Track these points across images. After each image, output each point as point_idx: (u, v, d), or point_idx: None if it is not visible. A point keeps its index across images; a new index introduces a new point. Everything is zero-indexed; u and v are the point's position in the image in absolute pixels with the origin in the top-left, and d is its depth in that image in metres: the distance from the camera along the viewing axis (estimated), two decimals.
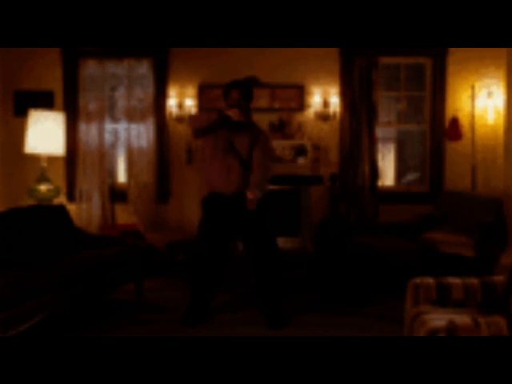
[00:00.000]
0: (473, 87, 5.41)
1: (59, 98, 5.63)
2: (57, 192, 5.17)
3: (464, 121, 5.49)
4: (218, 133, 3.45)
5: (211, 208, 3.54)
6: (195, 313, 3.55)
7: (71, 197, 5.65)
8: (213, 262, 3.56)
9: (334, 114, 5.52)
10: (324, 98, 5.50)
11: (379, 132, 5.64)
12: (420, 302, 2.55)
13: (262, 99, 5.42)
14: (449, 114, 5.54)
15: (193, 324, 3.48)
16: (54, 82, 5.62)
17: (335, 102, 5.50)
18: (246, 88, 3.47)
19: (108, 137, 5.69)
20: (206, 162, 3.53)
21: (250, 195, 3.40)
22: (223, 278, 3.75)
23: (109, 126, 5.70)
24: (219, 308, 3.83)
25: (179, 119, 5.56)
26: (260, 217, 3.50)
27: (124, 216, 5.59)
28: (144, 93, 5.59)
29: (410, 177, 6.36)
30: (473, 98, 5.41)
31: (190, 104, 5.54)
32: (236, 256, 4.08)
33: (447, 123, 5.53)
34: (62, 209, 4.16)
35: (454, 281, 2.60)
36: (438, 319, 2.19)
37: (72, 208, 5.20)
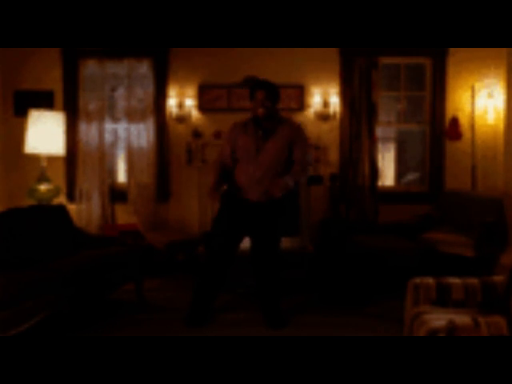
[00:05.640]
0: (473, 87, 5.41)
1: (59, 98, 5.63)
2: (57, 192, 5.16)
3: (464, 121, 5.49)
4: (248, 136, 3.47)
5: (228, 203, 3.55)
6: (199, 312, 3.53)
7: (71, 197, 5.65)
8: (222, 259, 3.54)
9: (334, 113, 5.52)
10: (324, 98, 5.50)
11: (379, 132, 5.64)
12: (420, 302, 2.54)
13: None
14: (449, 113, 5.54)
15: (197, 324, 3.46)
16: (53, 81, 5.62)
17: (335, 101, 5.50)
18: (271, 89, 3.42)
19: (108, 137, 5.68)
20: (237, 163, 3.55)
21: (280, 181, 3.38)
22: (227, 278, 3.72)
23: (109, 126, 5.69)
24: (219, 308, 3.82)
25: (179, 119, 5.56)
26: (274, 219, 3.51)
27: (124, 216, 5.59)
28: (144, 93, 5.59)
29: (410, 177, 6.35)
30: (473, 98, 5.41)
31: (190, 104, 5.54)
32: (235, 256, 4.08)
33: (447, 123, 5.53)
34: (61, 209, 4.16)
35: (454, 281, 2.59)
36: (438, 319, 2.18)
37: (72, 208, 5.20)
